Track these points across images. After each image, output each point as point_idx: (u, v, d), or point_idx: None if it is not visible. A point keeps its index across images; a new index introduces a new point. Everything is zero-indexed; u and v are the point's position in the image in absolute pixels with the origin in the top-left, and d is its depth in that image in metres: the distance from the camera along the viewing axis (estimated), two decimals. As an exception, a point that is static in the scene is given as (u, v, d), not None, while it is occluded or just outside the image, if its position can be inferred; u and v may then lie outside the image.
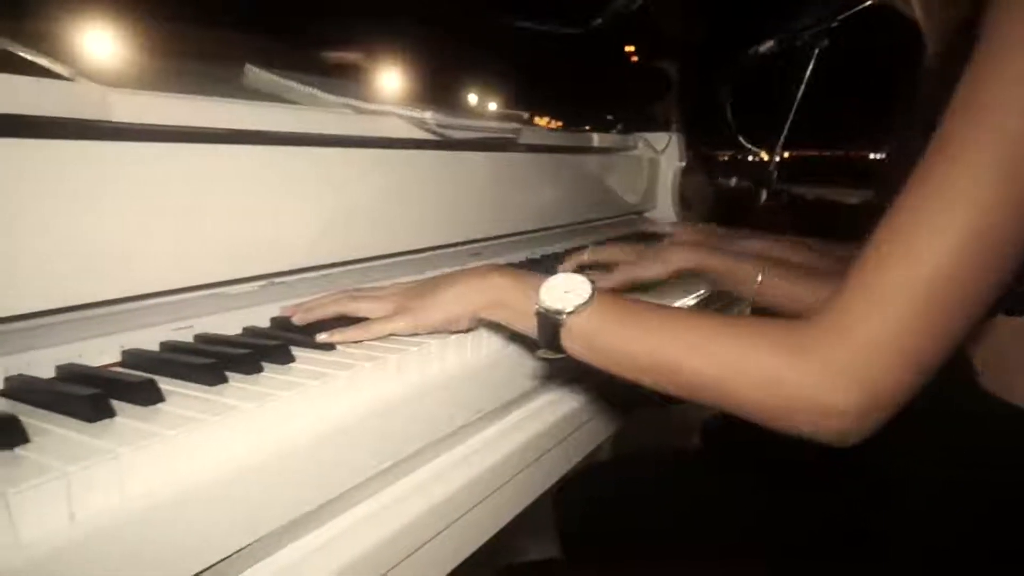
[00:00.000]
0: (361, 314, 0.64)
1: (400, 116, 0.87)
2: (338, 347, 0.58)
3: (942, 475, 0.63)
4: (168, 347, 0.57)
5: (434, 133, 0.90)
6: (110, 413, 0.42)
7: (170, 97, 0.61)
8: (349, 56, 1.09)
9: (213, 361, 0.50)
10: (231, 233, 0.66)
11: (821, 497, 0.83)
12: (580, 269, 0.98)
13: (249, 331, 0.63)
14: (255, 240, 0.69)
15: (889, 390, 0.44)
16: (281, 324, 0.66)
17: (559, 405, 0.75)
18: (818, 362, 0.45)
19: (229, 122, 0.65)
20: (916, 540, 0.65)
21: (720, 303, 1.09)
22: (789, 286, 0.89)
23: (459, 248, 1.03)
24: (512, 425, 0.68)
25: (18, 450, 0.38)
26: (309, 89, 0.87)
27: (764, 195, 1.62)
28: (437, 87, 0.91)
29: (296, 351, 0.56)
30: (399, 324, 0.62)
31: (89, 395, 0.42)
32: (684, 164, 1.56)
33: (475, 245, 1.08)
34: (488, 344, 0.66)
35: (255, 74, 0.93)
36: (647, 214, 1.60)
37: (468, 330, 0.64)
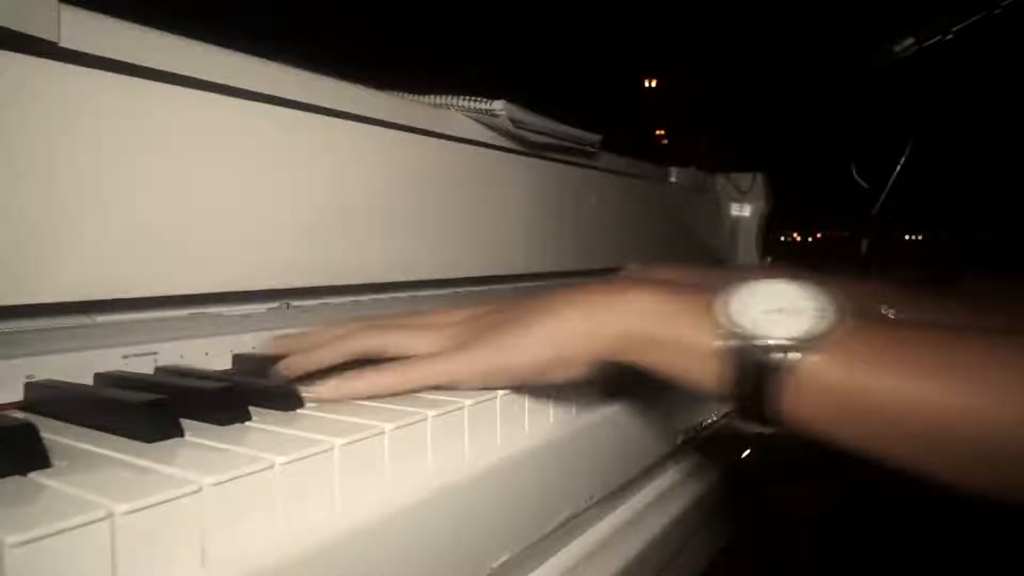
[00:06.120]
0: (397, 352, 0.39)
1: (461, 108, 0.68)
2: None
3: None
4: (106, 380, 0.36)
5: (503, 132, 0.71)
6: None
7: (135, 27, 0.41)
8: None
9: (160, 398, 0.28)
10: (224, 226, 0.46)
11: None
12: None
13: (241, 361, 0.42)
14: (260, 240, 0.49)
15: None
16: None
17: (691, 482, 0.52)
18: None
19: (217, 74, 0.45)
20: None
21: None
22: None
23: (504, 286, 0.79)
24: (636, 513, 0.45)
25: None
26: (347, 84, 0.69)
27: (865, 246, 1.39)
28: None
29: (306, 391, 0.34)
30: (454, 367, 0.36)
31: None
32: (771, 208, 1.35)
33: (527, 284, 0.84)
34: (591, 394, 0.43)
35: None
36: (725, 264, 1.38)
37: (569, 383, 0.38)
